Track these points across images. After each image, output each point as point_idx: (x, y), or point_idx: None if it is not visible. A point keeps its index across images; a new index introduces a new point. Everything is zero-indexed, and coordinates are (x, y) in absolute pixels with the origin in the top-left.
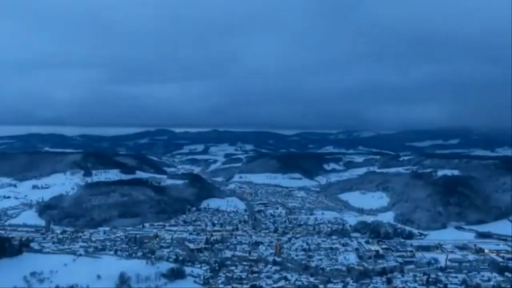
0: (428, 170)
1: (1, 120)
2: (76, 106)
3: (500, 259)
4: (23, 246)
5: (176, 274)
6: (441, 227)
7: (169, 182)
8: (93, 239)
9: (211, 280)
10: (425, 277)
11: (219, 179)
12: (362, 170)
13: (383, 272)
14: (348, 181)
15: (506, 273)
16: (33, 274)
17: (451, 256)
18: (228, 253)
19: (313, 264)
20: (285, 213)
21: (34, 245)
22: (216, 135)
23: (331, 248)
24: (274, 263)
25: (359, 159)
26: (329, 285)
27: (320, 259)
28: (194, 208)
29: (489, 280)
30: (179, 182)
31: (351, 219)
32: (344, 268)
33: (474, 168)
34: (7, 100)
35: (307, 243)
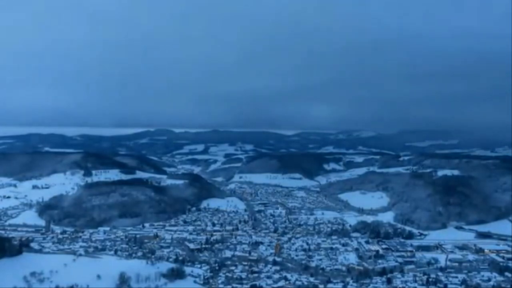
0: (428, 170)
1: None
2: None
3: (500, 259)
4: (23, 246)
5: (176, 274)
6: (441, 227)
7: (169, 182)
8: (93, 239)
9: (211, 280)
10: (425, 277)
11: (219, 179)
12: (362, 170)
13: (383, 272)
14: (348, 181)
15: (506, 273)
16: (33, 274)
17: (451, 256)
18: (228, 253)
19: (313, 264)
20: (285, 213)
21: (34, 245)
22: (216, 135)
23: (331, 248)
24: (274, 263)
25: (359, 159)
26: (329, 285)
27: (320, 259)
28: (194, 208)
29: (489, 280)
30: (179, 182)
31: (351, 219)
32: (344, 268)
33: (474, 168)
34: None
35: (307, 243)
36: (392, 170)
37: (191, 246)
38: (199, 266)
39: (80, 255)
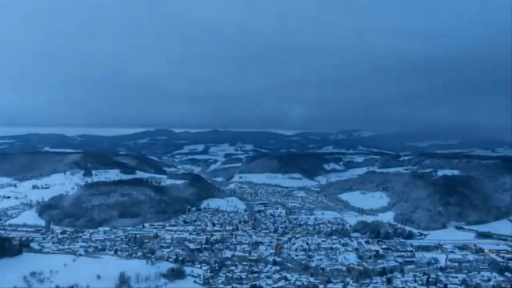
0: (428, 170)
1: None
2: None
3: (500, 259)
4: (23, 246)
5: (176, 274)
6: (441, 227)
7: (169, 182)
8: (93, 239)
9: (211, 280)
10: (425, 277)
11: (219, 179)
12: (362, 170)
13: (383, 272)
14: (348, 181)
15: (506, 273)
16: (33, 274)
17: (451, 256)
18: (228, 253)
19: (313, 264)
20: (285, 213)
21: (34, 245)
22: (216, 135)
23: (331, 248)
24: (274, 263)
25: (359, 159)
26: (329, 285)
27: (320, 259)
28: (194, 208)
29: (489, 280)
30: (179, 182)
31: (351, 219)
32: (344, 268)
33: (474, 168)
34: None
35: (307, 243)
36: (392, 170)
37: (191, 246)
38: (199, 266)
39: (80, 255)
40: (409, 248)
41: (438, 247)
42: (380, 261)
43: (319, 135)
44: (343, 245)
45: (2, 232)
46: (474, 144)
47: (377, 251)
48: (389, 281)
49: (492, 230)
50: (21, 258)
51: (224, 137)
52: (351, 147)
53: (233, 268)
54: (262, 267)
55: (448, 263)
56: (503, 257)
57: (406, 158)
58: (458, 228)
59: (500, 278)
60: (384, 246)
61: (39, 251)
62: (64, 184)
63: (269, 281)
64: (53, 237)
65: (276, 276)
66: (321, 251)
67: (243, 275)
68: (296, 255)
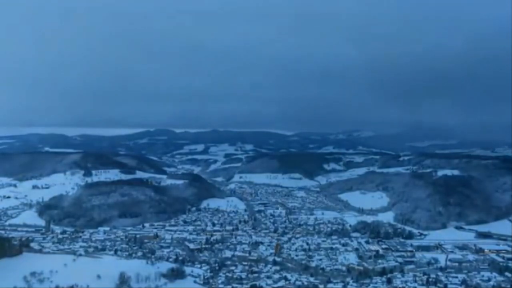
0: (428, 170)
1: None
2: None
3: (500, 259)
4: (23, 246)
5: (176, 274)
6: (441, 227)
7: (169, 182)
8: (93, 239)
9: (211, 280)
10: (425, 277)
11: (219, 179)
12: (362, 170)
13: (383, 272)
14: (348, 181)
15: (506, 273)
16: (33, 274)
17: (451, 256)
18: (228, 253)
19: (313, 264)
20: (285, 213)
21: (34, 245)
22: (216, 135)
23: (331, 248)
24: (274, 263)
25: (359, 159)
26: (329, 285)
27: (320, 259)
28: (194, 208)
29: (489, 280)
30: (179, 182)
31: (351, 219)
32: (344, 268)
33: (474, 168)
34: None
35: (307, 243)
36: (392, 170)
37: (191, 246)
38: (199, 266)
39: (80, 255)
40: (409, 248)
41: (438, 247)
42: (380, 261)
43: (319, 135)
44: (343, 245)
45: (2, 232)
46: (474, 144)
47: (377, 251)
48: (389, 281)
49: (492, 230)
50: (21, 258)
51: (224, 137)
52: (351, 147)
53: (233, 268)
54: (262, 267)
55: (448, 263)
56: (503, 257)
57: (406, 158)
58: (458, 228)
59: (500, 278)
60: (384, 246)
61: (39, 251)
62: (64, 184)
63: (269, 281)
64: (53, 237)
65: (276, 276)
66: (321, 251)
67: (243, 275)
68: (296, 255)
